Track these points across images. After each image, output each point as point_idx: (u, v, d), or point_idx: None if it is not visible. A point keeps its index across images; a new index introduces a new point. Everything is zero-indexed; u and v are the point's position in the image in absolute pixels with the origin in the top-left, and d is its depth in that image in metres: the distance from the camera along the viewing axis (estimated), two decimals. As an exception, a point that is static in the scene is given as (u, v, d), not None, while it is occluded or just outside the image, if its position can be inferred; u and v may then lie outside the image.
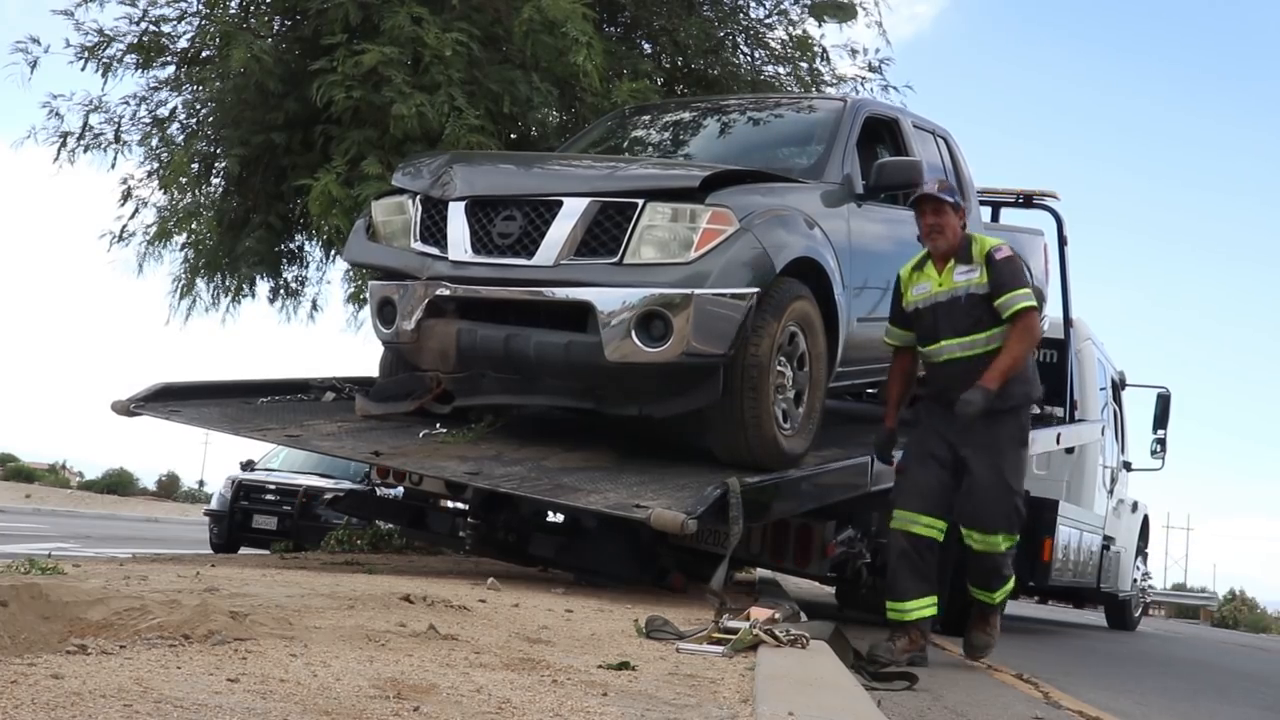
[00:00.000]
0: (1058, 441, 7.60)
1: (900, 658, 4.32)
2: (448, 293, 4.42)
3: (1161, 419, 10.76)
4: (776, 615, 3.29)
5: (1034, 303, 4.37)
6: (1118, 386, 10.02)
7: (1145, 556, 11.37)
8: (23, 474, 46.80)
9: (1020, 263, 4.45)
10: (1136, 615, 11.50)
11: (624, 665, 2.34)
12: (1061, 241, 7.68)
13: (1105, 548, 9.65)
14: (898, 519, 4.44)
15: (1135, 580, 10.94)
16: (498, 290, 4.37)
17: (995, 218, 7.81)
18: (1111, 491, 9.85)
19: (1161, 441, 10.74)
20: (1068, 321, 7.87)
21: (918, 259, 4.57)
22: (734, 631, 2.96)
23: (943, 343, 4.43)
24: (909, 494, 4.46)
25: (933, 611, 4.47)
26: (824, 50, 9.39)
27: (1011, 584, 4.71)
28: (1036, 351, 4.65)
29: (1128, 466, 10.54)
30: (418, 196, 4.68)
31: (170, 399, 5.35)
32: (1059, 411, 7.74)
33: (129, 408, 5.17)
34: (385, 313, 4.61)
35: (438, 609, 3.00)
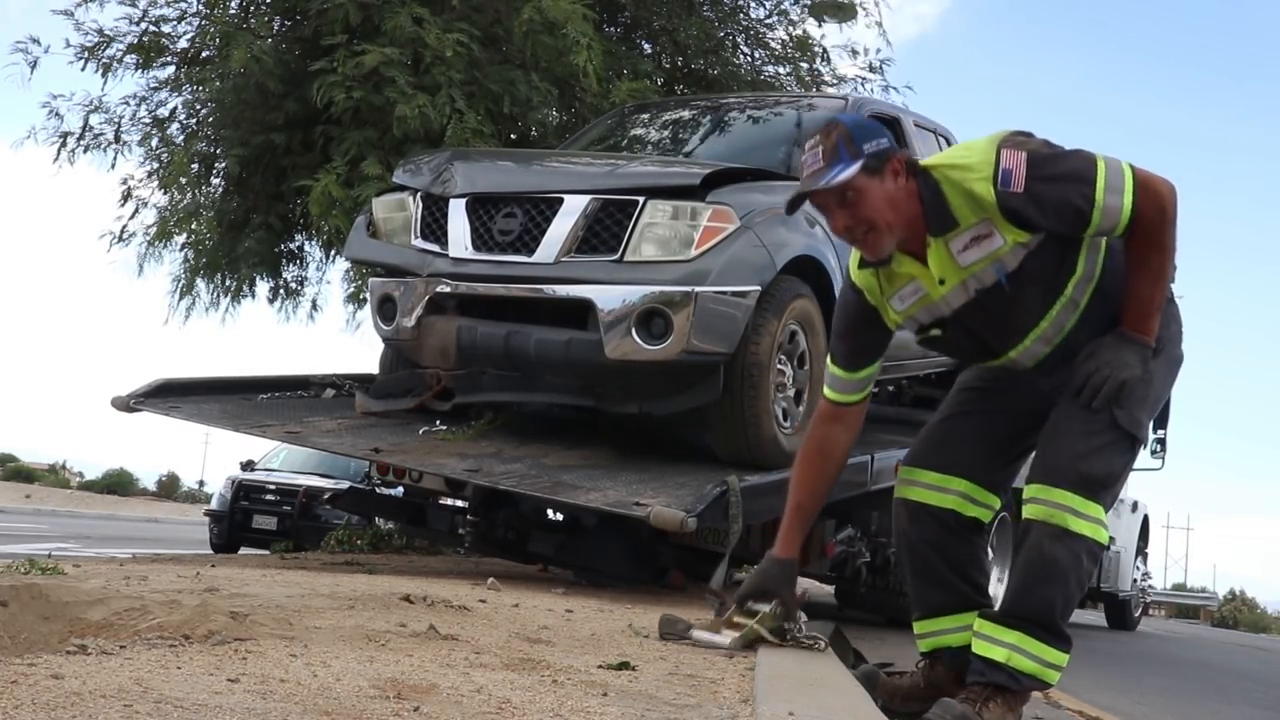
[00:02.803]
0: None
1: (897, 705, 2.70)
2: (448, 290, 4.43)
3: (1161, 419, 10.76)
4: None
5: (1128, 183, 2.35)
6: (1118, 386, 10.00)
7: (1145, 556, 11.38)
8: (23, 474, 46.86)
9: (1042, 149, 2.40)
10: (1136, 615, 11.50)
11: (624, 665, 2.33)
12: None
13: (1105, 547, 9.66)
14: (897, 483, 2.81)
15: (1135, 580, 10.95)
16: (498, 287, 4.37)
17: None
18: (1112, 491, 9.84)
19: (1161, 441, 10.74)
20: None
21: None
22: (752, 614, 2.88)
23: (1012, 354, 2.59)
24: (918, 444, 2.81)
25: (955, 640, 2.67)
26: (824, 50, 9.40)
27: (1064, 656, 2.48)
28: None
29: (1128, 466, 10.54)
30: (418, 194, 4.68)
31: (170, 395, 5.34)
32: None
33: (129, 403, 5.17)
34: (385, 310, 4.61)
35: (438, 609, 3.00)
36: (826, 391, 2.79)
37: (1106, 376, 2.42)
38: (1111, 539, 9.88)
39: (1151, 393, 2.53)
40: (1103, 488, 2.46)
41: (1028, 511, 2.48)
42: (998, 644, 2.46)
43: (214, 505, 12.54)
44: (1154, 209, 2.37)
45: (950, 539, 2.69)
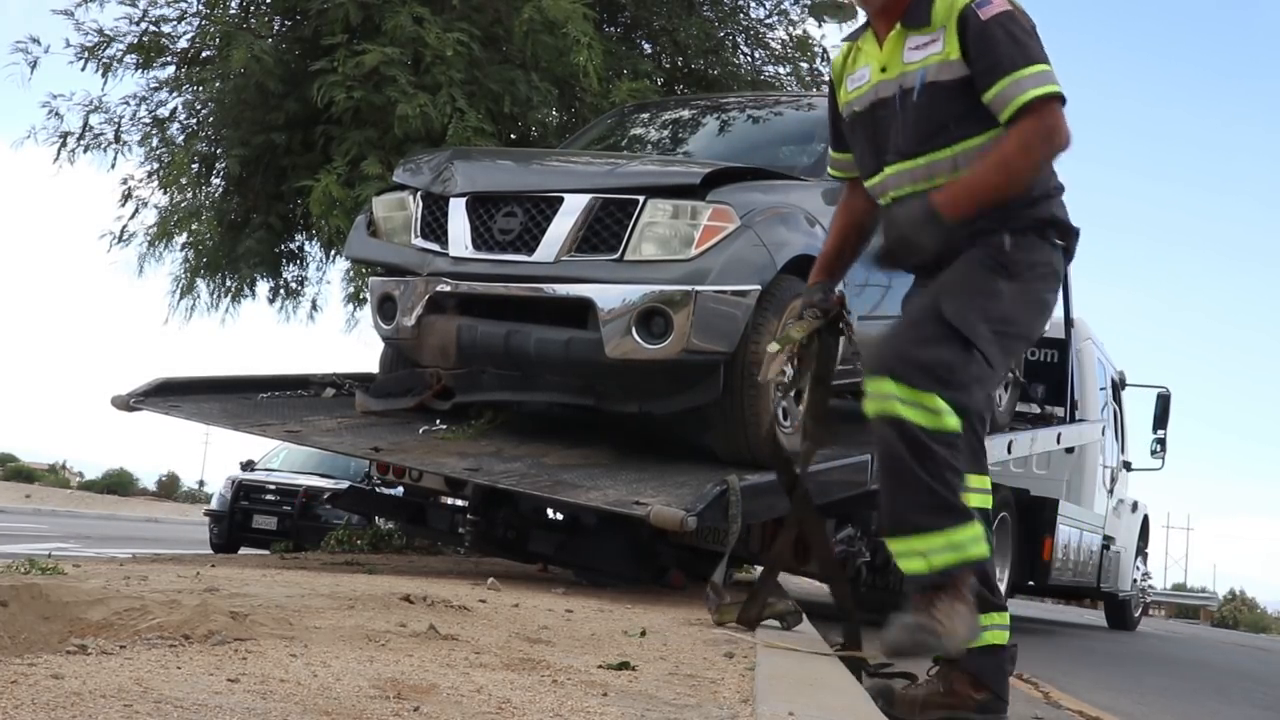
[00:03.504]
0: (1058, 441, 7.61)
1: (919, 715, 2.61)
2: (448, 289, 4.43)
3: (1161, 419, 10.77)
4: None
5: (1054, 87, 2.48)
6: (1118, 386, 10.02)
7: (1145, 556, 11.38)
8: (23, 474, 46.85)
9: (1025, 21, 2.55)
10: (1136, 615, 11.50)
11: (624, 665, 2.33)
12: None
13: (1105, 547, 9.67)
14: None
15: (1135, 580, 10.95)
16: (498, 286, 4.37)
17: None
18: (1111, 491, 9.85)
19: (1161, 441, 10.75)
20: (1069, 321, 7.87)
21: (855, 31, 2.87)
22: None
23: (886, 172, 2.69)
24: None
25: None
26: (824, 50, 9.40)
27: (973, 528, 2.44)
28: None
29: (1128, 466, 10.55)
30: (418, 193, 4.68)
31: (170, 394, 5.34)
32: (1059, 411, 7.76)
33: (129, 402, 5.17)
34: (385, 309, 4.61)
35: (438, 609, 2.99)
36: (829, 170, 3.14)
37: (893, 236, 2.55)
38: (1112, 538, 9.87)
39: (997, 309, 2.53)
40: (931, 377, 2.44)
41: (865, 409, 2.54)
42: (911, 556, 2.46)
43: (214, 505, 12.54)
44: (1046, 122, 2.47)
45: None
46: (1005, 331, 2.55)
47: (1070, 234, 2.68)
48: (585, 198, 4.29)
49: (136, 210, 8.89)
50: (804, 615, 3.44)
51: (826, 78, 9.14)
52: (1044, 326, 2.71)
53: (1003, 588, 7.22)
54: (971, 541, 2.46)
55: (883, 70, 2.65)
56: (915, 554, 2.46)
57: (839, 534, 5.48)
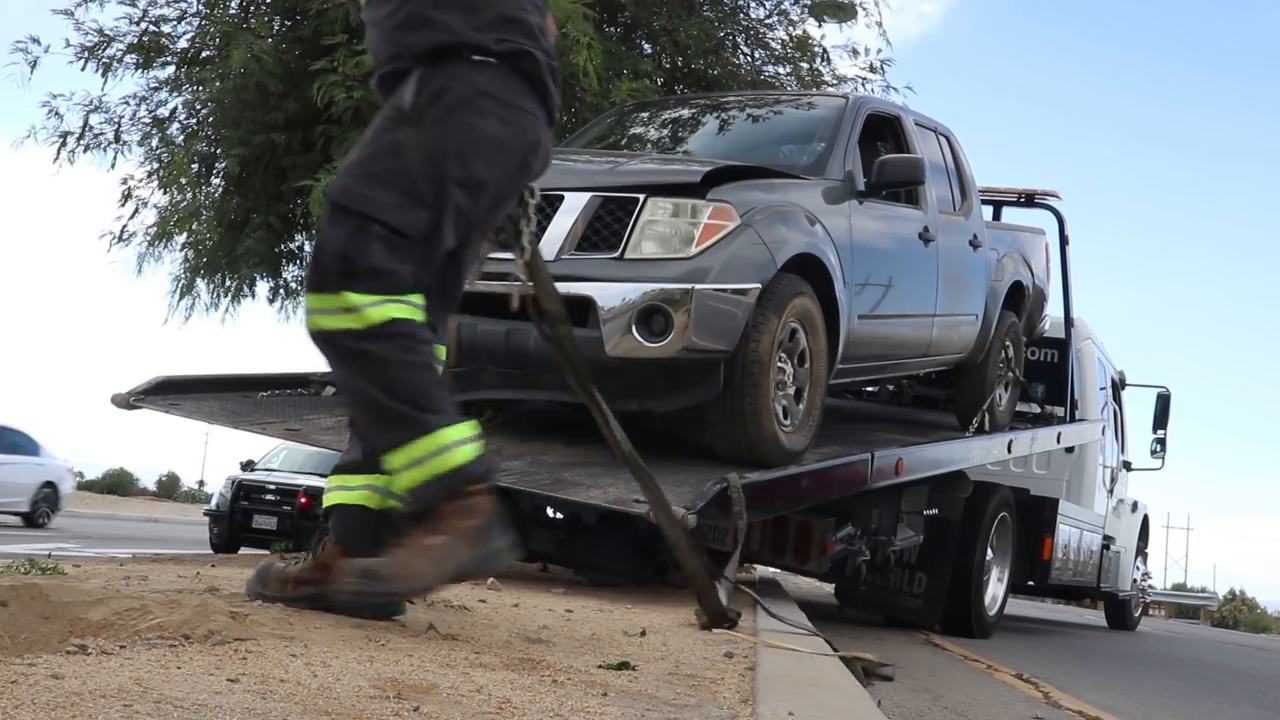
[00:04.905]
0: (1058, 441, 7.62)
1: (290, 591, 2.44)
2: (448, 289, 4.42)
3: (1161, 419, 10.78)
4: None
5: None
6: (1118, 386, 10.04)
7: (1145, 556, 11.39)
8: (23, 473, 46.69)
9: None
10: (1136, 615, 11.51)
11: (624, 665, 2.33)
12: (1063, 241, 7.70)
13: (1105, 547, 9.68)
14: None
15: (1135, 580, 10.96)
16: (498, 285, 4.36)
17: (997, 216, 7.84)
18: (1111, 491, 9.86)
19: (1161, 441, 10.76)
20: (1069, 321, 7.88)
21: None
22: None
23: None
24: None
25: (348, 498, 2.55)
26: (824, 51, 9.39)
27: (431, 438, 2.33)
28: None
29: (1128, 466, 10.56)
30: (418, 193, 4.68)
31: (170, 392, 5.34)
32: (1059, 411, 7.76)
33: (129, 400, 5.17)
34: (385, 310, 4.61)
35: (438, 609, 2.99)
36: None
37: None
38: (1112, 538, 9.88)
39: (397, 165, 2.31)
40: (334, 274, 2.25)
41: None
42: (397, 489, 2.36)
43: (214, 505, 12.53)
44: None
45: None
46: (416, 189, 2.30)
47: (504, 53, 2.36)
48: (585, 196, 4.28)
49: (136, 210, 8.91)
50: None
51: (828, 78, 9.24)
52: (497, 154, 2.39)
53: (1003, 588, 7.28)
54: (437, 453, 2.29)
55: None
56: (399, 478, 2.31)
57: (838, 533, 5.48)
